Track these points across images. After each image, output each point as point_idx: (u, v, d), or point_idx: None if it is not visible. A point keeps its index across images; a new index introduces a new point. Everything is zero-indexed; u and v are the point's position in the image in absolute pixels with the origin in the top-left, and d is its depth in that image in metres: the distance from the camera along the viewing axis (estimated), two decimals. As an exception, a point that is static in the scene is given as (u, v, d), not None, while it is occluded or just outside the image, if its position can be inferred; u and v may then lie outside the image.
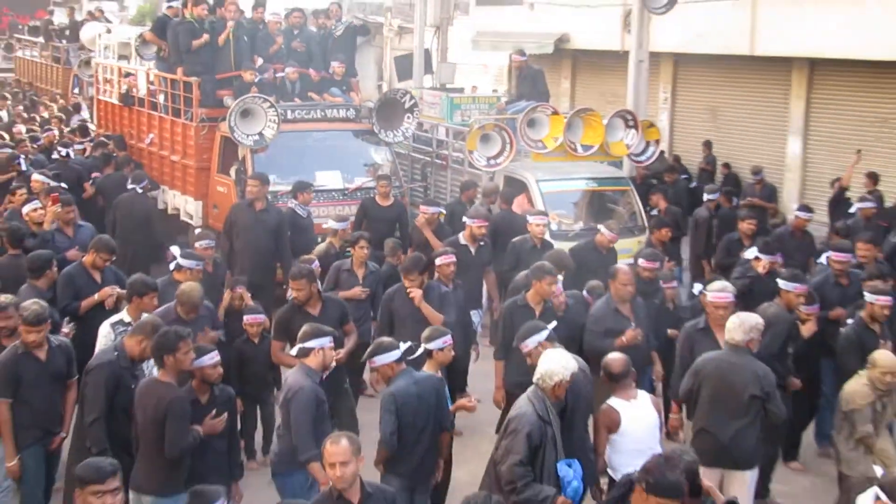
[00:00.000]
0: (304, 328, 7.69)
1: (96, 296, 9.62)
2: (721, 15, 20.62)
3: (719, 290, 9.12)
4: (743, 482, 8.04)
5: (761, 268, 10.87)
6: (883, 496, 5.33)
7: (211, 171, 15.64)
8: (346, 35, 17.54)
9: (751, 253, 11.27)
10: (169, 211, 16.52)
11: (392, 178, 14.46)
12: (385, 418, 7.32)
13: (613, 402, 7.70)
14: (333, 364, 7.95)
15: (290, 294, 10.04)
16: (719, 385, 8.04)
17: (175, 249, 10.28)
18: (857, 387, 8.27)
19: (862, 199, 15.15)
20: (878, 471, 7.24)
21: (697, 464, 5.75)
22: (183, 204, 16.30)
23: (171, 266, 10.09)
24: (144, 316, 8.29)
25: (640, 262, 10.54)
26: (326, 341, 7.57)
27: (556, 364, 7.05)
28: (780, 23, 20.03)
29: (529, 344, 8.04)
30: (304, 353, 7.49)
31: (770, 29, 20.25)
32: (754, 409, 8.04)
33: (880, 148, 19.03)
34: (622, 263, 10.21)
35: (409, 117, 15.74)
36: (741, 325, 8.13)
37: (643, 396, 7.93)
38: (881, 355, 8.30)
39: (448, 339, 8.14)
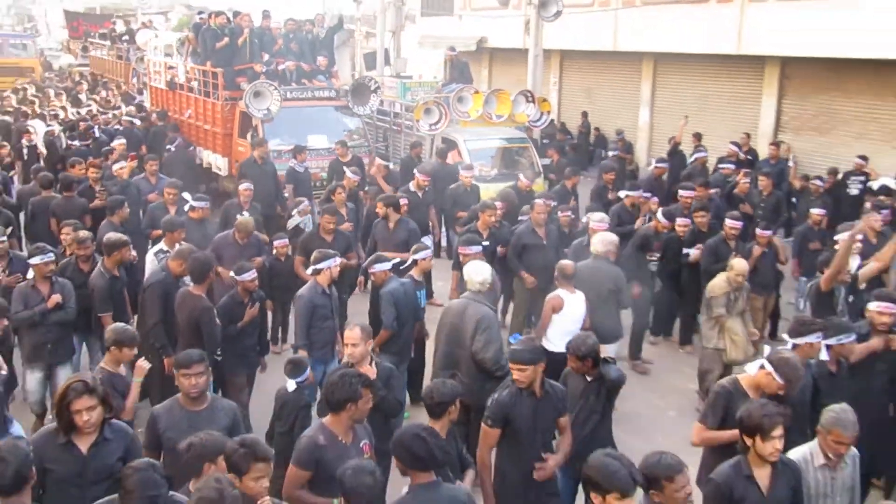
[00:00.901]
0: (315, 254, 7.46)
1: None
2: (592, 22, 20.67)
3: (599, 220, 9.20)
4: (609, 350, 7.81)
5: (629, 202, 10.98)
6: (768, 366, 5.18)
7: (233, 136, 15.46)
8: (327, 37, 17.40)
9: (622, 193, 11.39)
10: (203, 165, 16.37)
11: (348, 142, 14.22)
12: (387, 310, 7.32)
13: (560, 292, 7.66)
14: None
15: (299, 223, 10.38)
16: (588, 283, 8.01)
17: (186, 195, 10.07)
18: (718, 282, 8.35)
19: (696, 150, 15.45)
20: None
21: (598, 343, 5.83)
22: (214, 160, 16.15)
23: (186, 208, 9.76)
24: (178, 245, 8.12)
25: (546, 200, 10.32)
26: (332, 262, 7.33)
27: (473, 270, 6.96)
28: (634, 27, 20.13)
29: (468, 250, 8.21)
30: (317, 272, 7.33)
31: (627, 32, 20.36)
32: (612, 300, 8.20)
33: (703, 116, 19.28)
34: (538, 200, 10.01)
35: (374, 96, 15.65)
36: (601, 241, 8.33)
37: (579, 294, 7.77)
38: (737, 262, 8.41)
39: (429, 252, 8.23)
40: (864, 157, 14.51)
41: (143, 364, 5.93)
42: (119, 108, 19.57)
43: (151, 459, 3.76)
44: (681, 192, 10.90)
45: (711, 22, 18.17)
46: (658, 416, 8.62)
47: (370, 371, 5.54)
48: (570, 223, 10.55)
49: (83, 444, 4.43)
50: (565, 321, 7.51)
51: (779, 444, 4.31)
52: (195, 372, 4.99)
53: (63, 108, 19.84)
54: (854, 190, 13.87)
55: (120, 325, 6.15)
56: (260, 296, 7.58)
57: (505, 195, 10.95)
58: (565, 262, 7.93)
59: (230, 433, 4.77)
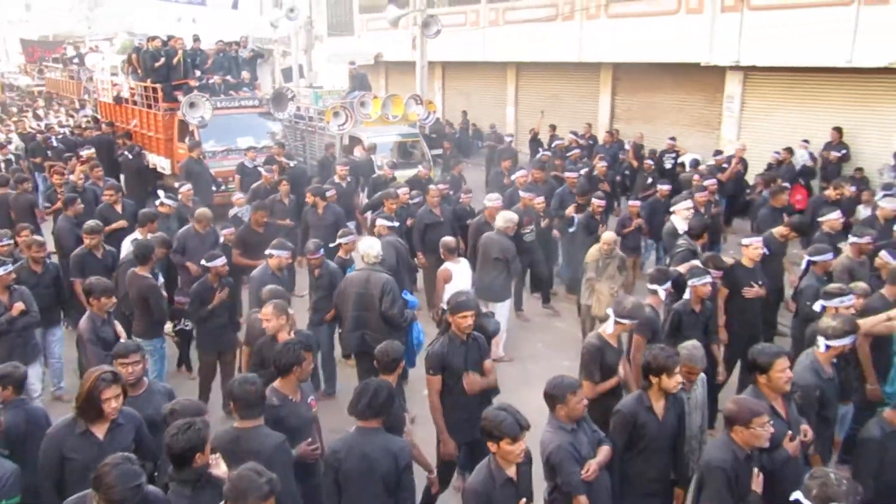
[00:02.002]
0: (274, 242, 7.08)
1: (114, 224, 8.88)
2: (467, 38, 20.74)
3: (494, 199, 8.88)
4: (498, 308, 7.92)
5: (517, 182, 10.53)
6: (614, 317, 5.15)
7: (173, 140, 14.92)
8: (251, 57, 16.92)
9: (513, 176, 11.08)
10: (150, 166, 15.77)
11: (284, 142, 14.06)
12: (328, 282, 7.16)
13: (447, 264, 7.51)
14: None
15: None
16: (483, 250, 8.07)
17: (160, 192, 9.69)
18: (592, 250, 8.11)
19: (552, 139, 15.84)
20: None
21: (473, 300, 5.51)
22: (159, 161, 15.55)
23: (157, 203, 9.37)
24: (150, 236, 7.83)
25: (439, 185, 10.21)
26: (284, 253, 6.97)
27: (367, 246, 6.79)
28: (499, 42, 20.31)
29: (386, 222, 8.13)
30: (269, 255, 6.99)
31: (494, 46, 20.52)
32: (499, 265, 7.98)
33: (556, 111, 19.70)
34: (433, 186, 9.80)
35: (291, 104, 15.35)
36: (502, 218, 8.14)
37: (464, 262, 7.69)
38: (605, 234, 8.14)
39: (353, 237, 7.89)
40: (673, 138, 15.19)
41: (120, 331, 5.87)
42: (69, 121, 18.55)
43: (126, 453, 3.37)
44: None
45: (558, 36, 18.54)
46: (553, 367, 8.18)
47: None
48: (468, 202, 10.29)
49: (100, 432, 4.04)
50: (456, 288, 7.19)
51: (679, 379, 4.31)
52: (132, 361, 4.62)
53: (21, 122, 18.73)
54: (668, 164, 14.48)
55: (93, 278, 5.98)
56: (228, 280, 7.07)
57: (416, 182, 10.82)
58: (447, 239, 7.72)
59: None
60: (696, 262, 6.45)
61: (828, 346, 4.73)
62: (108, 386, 3.97)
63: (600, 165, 12.12)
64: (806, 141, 13.78)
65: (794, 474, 4.04)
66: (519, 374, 7.67)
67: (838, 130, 13.73)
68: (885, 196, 9.39)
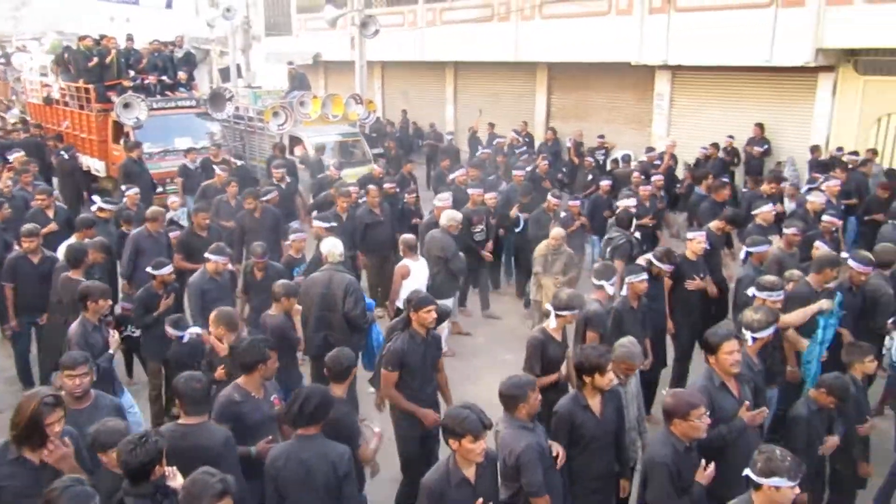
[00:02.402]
0: (212, 246, 6.87)
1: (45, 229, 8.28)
2: (405, 38, 20.74)
3: (445, 199, 8.77)
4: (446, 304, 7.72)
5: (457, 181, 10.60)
6: (554, 311, 5.24)
7: (108, 142, 14.52)
8: (186, 56, 16.55)
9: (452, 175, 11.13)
10: (84, 168, 15.28)
11: (221, 143, 13.90)
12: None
13: (406, 261, 7.44)
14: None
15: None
16: (426, 248, 8.10)
17: (96, 198, 9.26)
18: (540, 246, 8.08)
19: (491, 137, 15.98)
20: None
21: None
22: (93, 164, 15.11)
23: (94, 209, 8.92)
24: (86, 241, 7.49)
25: (388, 184, 10.22)
26: (221, 258, 6.77)
27: (331, 245, 6.68)
28: (437, 42, 20.38)
29: (323, 224, 7.97)
30: (206, 260, 6.81)
31: (432, 46, 20.57)
32: (441, 263, 7.93)
33: (494, 110, 19.90)
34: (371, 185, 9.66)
35: (229, 104, 15.12)
36: (446, 217, 8.14)
37: (423, 260, 7.58)
38: (553, 230, 8.05)
39: (302, 234, 7.99)
40: (601, 136, 15.56)
41: (111, 340, 5.70)
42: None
43: (76, 475, 3.22)
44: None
45: (494, 36, 18.72)
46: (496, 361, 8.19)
47: (221, 348, 5.26)
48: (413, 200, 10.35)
49: (35, 456, 3.65)
50: (414, 284, 7.25)
51: (612, 376, 4.30)
52: (79, 373, 4.35)
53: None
54: (590, 159, 14.72)
55: (90, 282, 5.89)
56: (174, 287, 6.86)
57: (367, 178, 10.74)
58: (407, 236, 7.66)
59: None
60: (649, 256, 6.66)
61: (754, 339, 4.90)
62: (51, 411, 3.64)
63: (543, 164, 12.22)
64: (731, 136, 14.28)
65: (747, 447, 4.12)
66: (463, 369, 7.71)
67: (760, 126, 14.31)
68: (809, 190, 9.86)
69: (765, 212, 7.97)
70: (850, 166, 11.79)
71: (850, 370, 4.86)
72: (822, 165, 12.35)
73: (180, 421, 4.14)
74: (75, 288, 6.32)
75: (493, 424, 3.65)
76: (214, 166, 11.59)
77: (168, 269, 6.64)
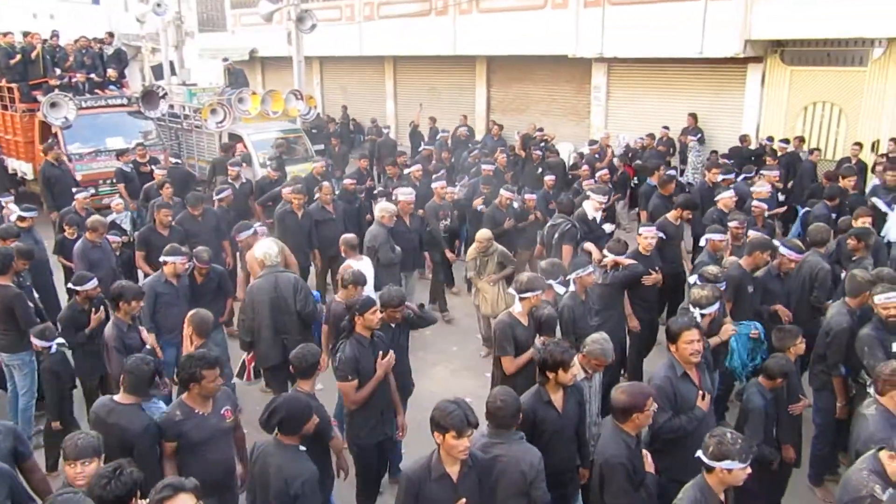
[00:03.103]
0: (167, 247, 6.60)
1: None
2: (343, 33, 20.33)
3: (406, 194, 8.50)
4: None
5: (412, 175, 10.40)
6: (518, 295, 5.24)
7: (34, 143, 13.74)
8: (117, 52, 15.81)
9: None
10: (10, 171, 14.44)
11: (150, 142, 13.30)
12: (216, 286, 7.02)
13: (349, 261, 7.02)
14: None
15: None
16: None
17: (14, 207, 8.73)
18: (470, 251, 7.83)
19: (433, 132, 15.74)
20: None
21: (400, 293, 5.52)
22: (19, 166, 14.30)
23: (12, 217, 8.38)
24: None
25: (346, 181, 9.90)
26: (178, 258, 6.50)
27: (265, 248, 6.40)
28: (376, 36, 20.07)
29: (241, 236, 7.74)
30: (163, 263, 6.52)
31: (370, 41, 20.24)
32: (373, 257, 7.67)
33: (435, 104, 19.77)
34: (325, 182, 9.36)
35: (163, 102, 14.43)
36: (379, 209, 7.92)
37: (366, 259, 7.31)
38: (479, 232, 7.81)
39: (249, 231, 7.69)
40: (541, 129, 15.59)
41: (146, 337, 5.93)
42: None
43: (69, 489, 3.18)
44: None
45: (433, 30, 18.54)
46: (443, 353, 8.29)
47: (189, 350, 5.12)
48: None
49: None
50: None
51: (575, 371, 4.28)
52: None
53: None
54: (538, 152, 14.74)
55: (125, 282, 5.93)
56: (101, 299, 6.44)
57: (310, 180, 10.18)
58: (348, 236, 7.41)
59: (13, 454, 4.05)
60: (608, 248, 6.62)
61: (703, 315, 5.02)
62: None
63: (501, 157, 12.07)
64: (666, 127, 14.47)
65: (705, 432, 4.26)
66: (412, 362, 7.49)
67: (693, 116, 14.57)
68: (745, 178, 10.03)
69: (725, 198, 8.08)
70: (779, 154, 12.13)
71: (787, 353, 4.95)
72: (751, 154, 12.69)
73: (116, 397, 4.29)
74: (3, 294, 6.15)
75: (479, 423, 3.55)
76: (153, 167, 11.00)
77: (92, 284, 6.21)
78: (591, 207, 8.26)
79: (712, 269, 5.98)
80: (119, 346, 5.51)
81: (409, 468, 3.65)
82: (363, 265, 7.22)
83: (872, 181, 10.24)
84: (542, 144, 13.98)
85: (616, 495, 3.83)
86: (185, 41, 19.63)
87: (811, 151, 12.12)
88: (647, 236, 6.85)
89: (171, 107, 15.14)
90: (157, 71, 19.22)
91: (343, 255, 7.32)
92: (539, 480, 3.71)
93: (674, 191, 8.96)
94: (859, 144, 11.86)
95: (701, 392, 4.37)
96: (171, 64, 18.09)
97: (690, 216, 7.91)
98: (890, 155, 11.02)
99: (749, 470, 3.31)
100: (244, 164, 12.59)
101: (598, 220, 8.22)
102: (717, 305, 5.18)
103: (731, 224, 7.24)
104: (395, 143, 16.99)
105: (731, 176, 9.83)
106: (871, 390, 4.27)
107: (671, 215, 7.74)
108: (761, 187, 8.69)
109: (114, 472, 3.18)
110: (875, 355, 4.93)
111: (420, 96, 20.21)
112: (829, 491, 5.49)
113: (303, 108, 14.79)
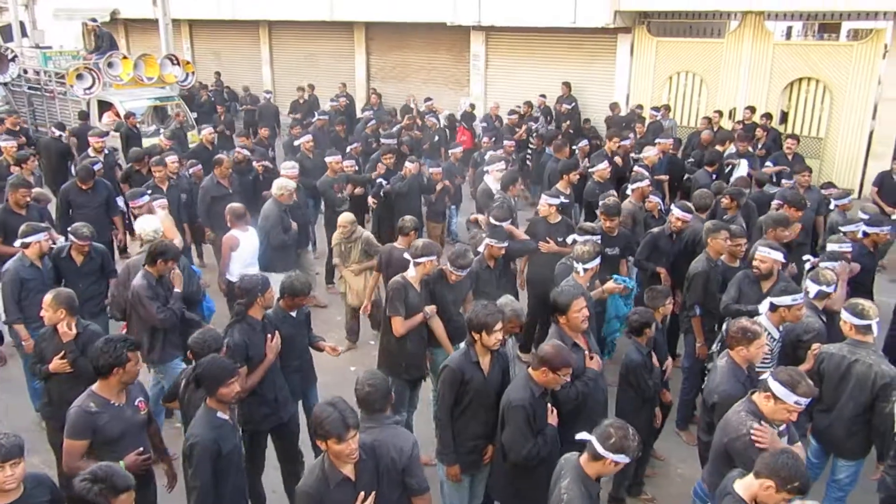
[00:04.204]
0: (22, 227, 5.90)
1: None
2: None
3: (291, 167, 8.12)
4: (273, 278, 6.98)
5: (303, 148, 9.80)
6: (411, 259, 5.21)
7: None
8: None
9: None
10: None
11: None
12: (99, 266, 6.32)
13: (234, 232, 6.78)
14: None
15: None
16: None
17: None
18: (335, 235, 7.22)
19: (311, 99, 15.15)
20: None
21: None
22: None
23: None
24: None
25: (224, 156, 8.82)
26: (41, 236, 5.85)
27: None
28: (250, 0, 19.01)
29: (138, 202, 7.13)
30: (25, 245, 5.82)
31: (245, 5, 19.13)
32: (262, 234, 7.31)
33: (313, 71, 19.12)
34: (221, 155, 8.65)
35: (12, 65, 13.05)
36: (276, 185, 7.41)
37: (252, 231, 6.94)
38: (341, 217, 7.14)
39: (143, 199, 7.11)
40: (429, 99, 15.40)
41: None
42: None
43: None
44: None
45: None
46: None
47: (67, 334, 4.66)
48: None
49: None
50: (243, 255, 6.81)
51: (499, 335, 4.19)
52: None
53: None
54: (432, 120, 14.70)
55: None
56: None
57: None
58: (234, 205, 6.97)
59: None
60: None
61: (584, 269, 5.37)
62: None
63: (415, 132, 11.80)
64: (543, 95, 14.76)
65: (600, 393, 4.46)
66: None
67: (567, 85, 14.97)
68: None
69: (600, 169, 8.31)
70: (648, 122, 12.77)
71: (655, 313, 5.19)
72: (622, 121, 13.25)
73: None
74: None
75: (359, 423, 3.25)
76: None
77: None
78: (493, 180, 8.25)
79: (589, 224, 6.23)
80: (151, 294, 5.26)
81: (305, 484, 3.32)
82: (249, 236, 6.95)
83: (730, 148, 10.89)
84: (434, 116, 13.90)
85: (513, 435, 3.88)
86: (36, 0, 17.70)
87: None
88: (545, 204, 6.88)
89: (25, 71, 13.66)
90: (6, 32, 17.26)
91: (228, 225, 6.92)
92: (414, 468, 3.48)
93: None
94: (719, 112, 12.74)
95: (589, 354, 4.47)
96: (22, 25, 16.27)
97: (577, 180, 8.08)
98: (746, 123, 11.91)
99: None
100: (116, 133, 11.64)
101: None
102: (597, 261, 5.39)
103: (642, 185, 7.42)
104: (276, 108, 16.30)
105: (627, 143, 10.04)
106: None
107: (560, 185, 7.78)
108: (648, 152, 9.10)
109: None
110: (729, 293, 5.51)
111: (298, 63, 19.47)
112: (692, 434, 5.72)
113: (180, 74, 13.83)
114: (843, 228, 6.48)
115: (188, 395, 4.27)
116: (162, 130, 11.03)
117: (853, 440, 4.49)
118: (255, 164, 9.31)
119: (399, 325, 5.20)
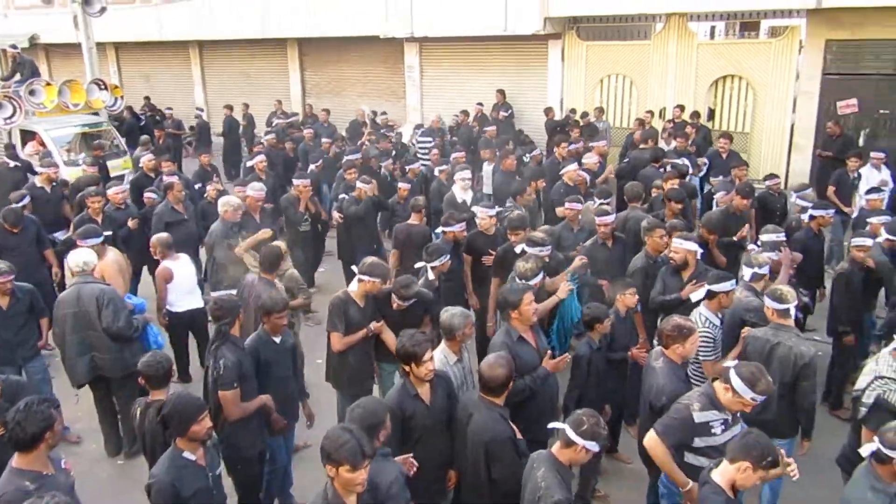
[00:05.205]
0: None
1: None
2: (140, 16, 18.45)
3: (257, 189, 7.80)
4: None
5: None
6: (357, 273, 5.14)
7: None
8: None
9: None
10: None
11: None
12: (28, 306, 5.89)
13: (166, 263, 6.41)
14: None
15: None
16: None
17: None
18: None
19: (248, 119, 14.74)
20: None
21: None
22: None
23: None
24: None
25: (178, 180, 8.29)
26: None
27: (75, 257, 5.70)
28: (177, 19, 18.40)
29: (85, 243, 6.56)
30: None
31: (172, 24, 18.54)
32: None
33: (248, 89, 18.67)
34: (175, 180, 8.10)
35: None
36: (221, 203, 7.17)
37: (184, 258, 6.63)
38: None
39: (97, 239, 6.44)
40: (384, 113, 15.16)
41: None
42: None
43: None
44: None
45: (240, 11, 17.35)
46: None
47: None
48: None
49: None
50: (181, 284, 6.50)
51: (431, 366, 3.92)
52: None
53: None
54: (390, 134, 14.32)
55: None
56: None
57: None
58: (161, 235, 6.61)
59: None
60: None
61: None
62: None
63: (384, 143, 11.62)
64: (480, 104, 14.70)
65: (550, 391, 4.44)
66: (310, 345, 6.98)
67: (502, 92, 14.95)
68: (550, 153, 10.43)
69: (570, 171, 8.20)
70: (582, 125, 12.83)
71: (618, 304, 5.23)
72: (556, 125, 13.30)
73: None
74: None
75: (375, 453, 3.12)
76: None
77: None
78: (460, 189, 8.06)
79: (537, 234, 6.05)
80: None
81: None
82: (182, 264, 6.59)
83: (661, 145, 11.06)
84: (391, 131, 13.70)
85: (508, 468, 3.73)
86: (-53, 27, 16.72)
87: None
88: (484, 217, 6.62)
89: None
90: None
91: (157, 257, 6.50)
92: (393, 502, 3.32)
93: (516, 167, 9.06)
94: (650, 112, 12.91)
95: (541, 352, 4.47)
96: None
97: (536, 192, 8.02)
98: (676, 121, 12.11)
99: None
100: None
101: (467, 202, 7.99)
102: (540, 276, 5.18)
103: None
104: (207, 124, 15.81)
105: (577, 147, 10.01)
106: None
107: (520, 200, 7.53)
108: (589, 158, 9.11)
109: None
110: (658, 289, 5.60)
111: (232, 82, 18.97)
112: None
113: (108, 99, 13.20)
114: (812, 212, 6.63)
115: (146, 423, 4.04)
116: (84, 158, 10.43)
117: (782, 420, 4.57)
118: (208, 188, 8.93)
119: (336, 342, 5.08)
